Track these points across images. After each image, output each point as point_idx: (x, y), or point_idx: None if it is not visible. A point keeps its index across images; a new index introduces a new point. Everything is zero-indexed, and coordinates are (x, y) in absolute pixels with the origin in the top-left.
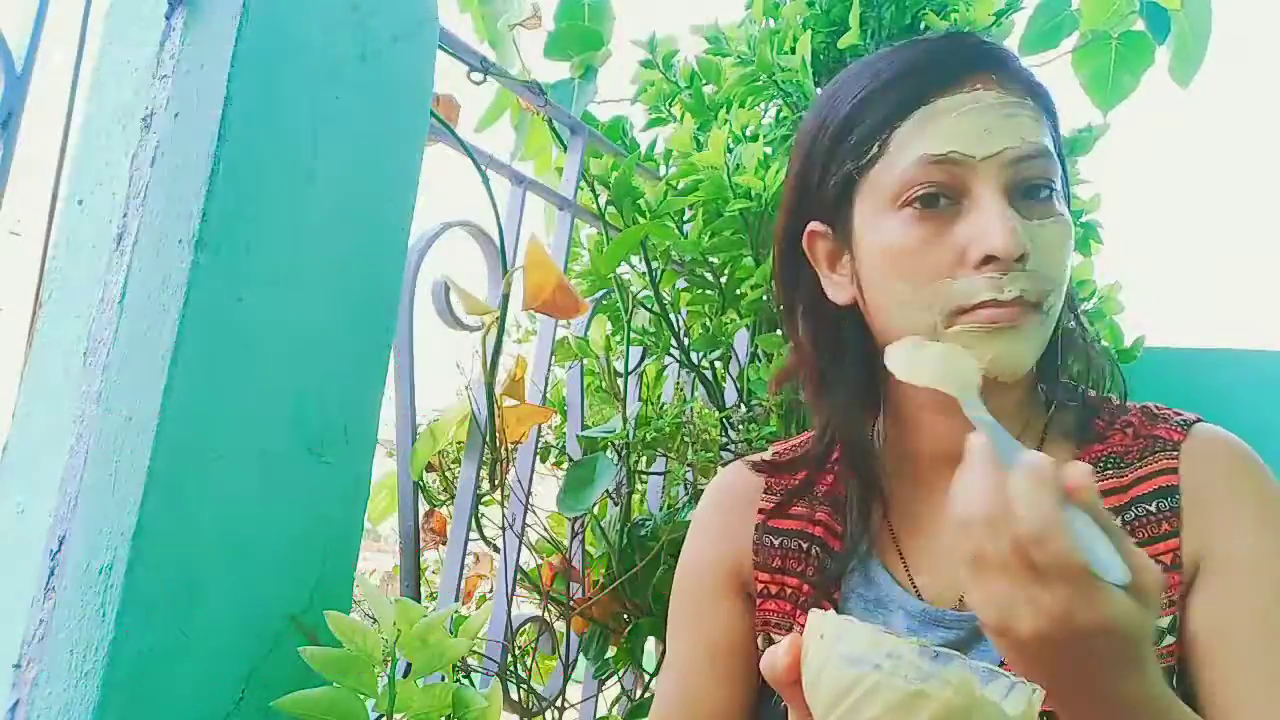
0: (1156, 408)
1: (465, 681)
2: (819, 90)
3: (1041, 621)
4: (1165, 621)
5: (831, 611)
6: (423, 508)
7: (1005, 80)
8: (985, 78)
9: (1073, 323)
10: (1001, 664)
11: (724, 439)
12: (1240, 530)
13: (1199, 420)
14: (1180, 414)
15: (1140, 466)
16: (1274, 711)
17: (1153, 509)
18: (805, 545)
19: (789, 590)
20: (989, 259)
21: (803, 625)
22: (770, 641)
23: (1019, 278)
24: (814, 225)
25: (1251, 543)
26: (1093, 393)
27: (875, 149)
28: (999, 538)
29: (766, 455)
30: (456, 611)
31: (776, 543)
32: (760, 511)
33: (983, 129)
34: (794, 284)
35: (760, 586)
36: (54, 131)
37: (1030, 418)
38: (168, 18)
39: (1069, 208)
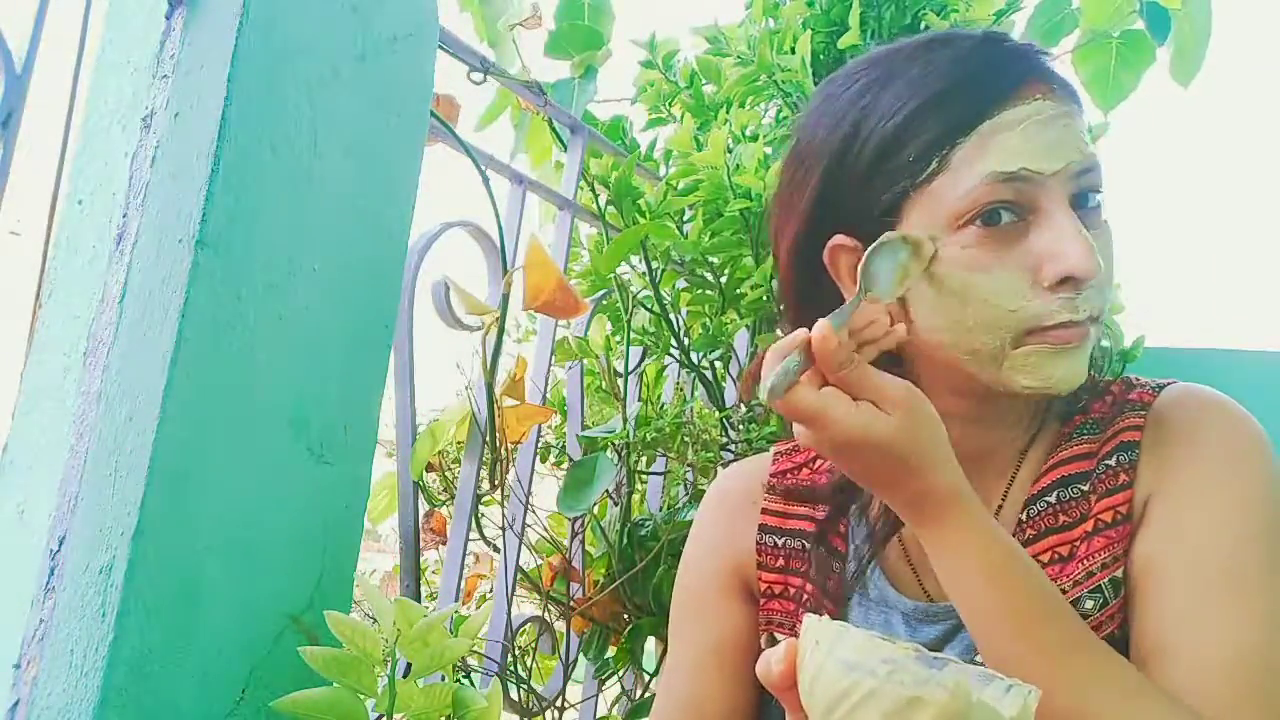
0: (1135, 378)
1: (465, 681)
2: (818, 91)
3: (821, 447)
4: (1115, 575)
5: (826, 618)
6: (423, 508)
7: (1056, 87)
8: (1042, 87)
9: None
10: None
11: (724, 439)
12: (1187, 468)
13: (1174, 383)
14: (1158, 380)
15: (1113, 430)
16: (1199, 643)
17: (1113, 463)
18: (807, 544)
19: (793, 590)
20: (1067, 279)
21: None
22: (774, 641)
23: (1090, 295)
24: (841, 239)
25: (1194, 476)
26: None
27: (935, 165)
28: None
29: (767, 461)
30: (456, 611)
31: (780, 542)
32: (763, 512)
33: (1049, 143)
34: (812, 298)
35: (764, 586)
36: (54, 131)
37: (1031, 415)
38: (168, 18)
39: None
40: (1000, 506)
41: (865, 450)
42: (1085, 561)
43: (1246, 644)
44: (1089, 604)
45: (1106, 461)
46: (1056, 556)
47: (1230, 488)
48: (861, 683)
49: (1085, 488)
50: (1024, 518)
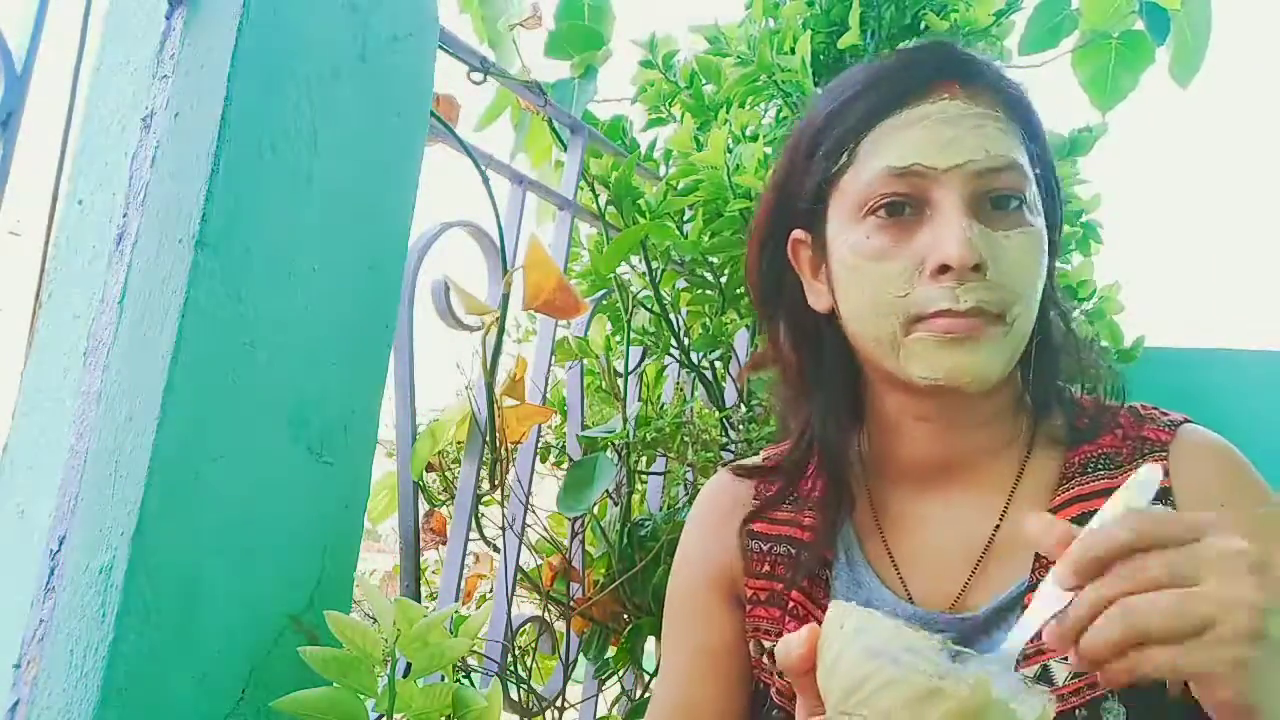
0: (1143, 408)
1: (465, 681)
2: (818, 91)
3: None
4: None
5: (854, 602)
6: (423, 508)
7: (974, 90)
8: (951, 87)
9: (1061, 325)
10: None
11: (724, 439)
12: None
13: (1186, 421)
14: (1166, 414)
15: (1132, 468)
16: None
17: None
18: (793, 550)
19: (779, 597)
20: (944, 268)
21: (791, 630)
22: (761, 648)
23: (976, 288)
24: (797, 233)
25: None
26: (1081, 394)
27: (844, 159)
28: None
29: (755, 460)
30: (456, 611)
31: (765, 548)
32: (751, 518)
33: (946, 140)
34: (776, 291)
35: (750, 593)
36: (54, 131)
37: (1016, 425)
38: (168, 18)
39: (1058, 211)
40: (998, 526)
41: None
42: None
43: None
44: None
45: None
46: None
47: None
48: (883, 669)
49: None
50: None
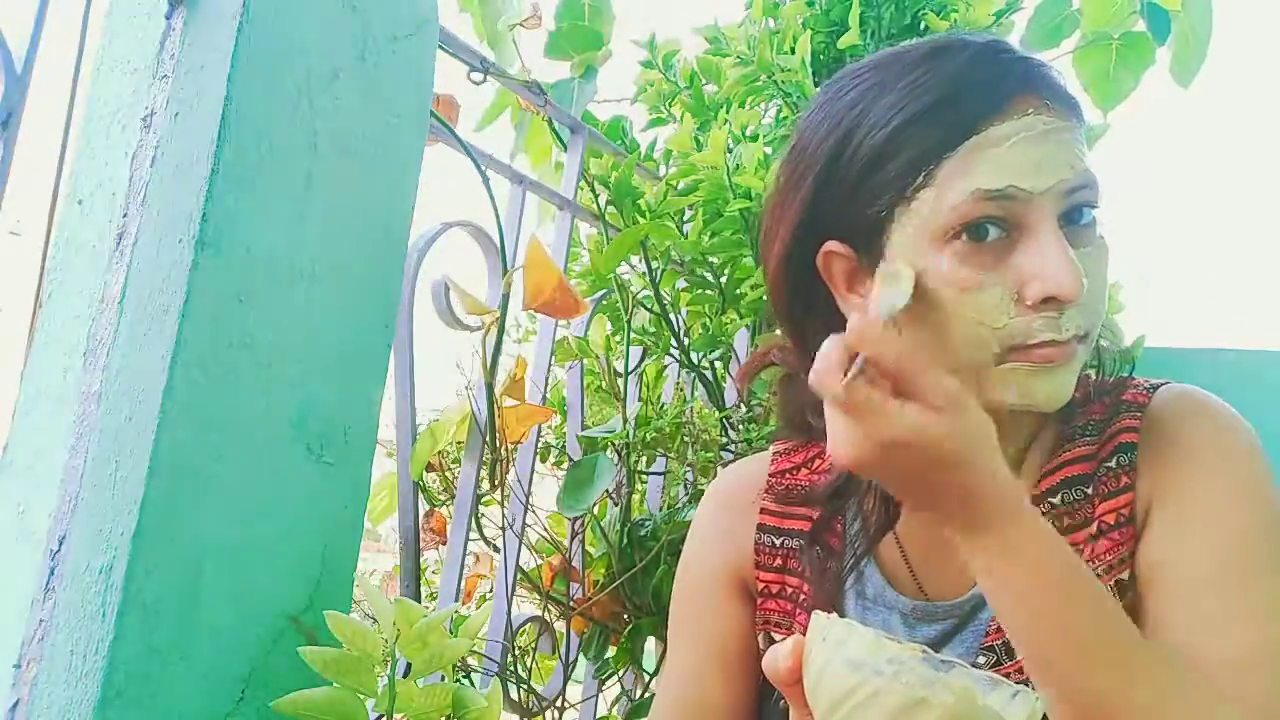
0: (1131, 378)
1: (465, 681)
2: (821, 91)
3: (864, 446)
4: (1120, 578)
5: (834, 615)
6: (423, 508)
7: (1053, 101)
8: (1036, 101)
9: None
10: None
11: (724, 439)
12: (1185, 472)
13: (1168, 384)
14: (1150, 380)
15: (1111, 430)
16: (1221, 645)
17: (1113, 465)
18: (805, 544)
19: (790, 590)
20: (1050, 299)
21: (803, 625)
22: (771, 641)
23: (1075, 315)
24: (833, 246)
25: (1193, 480)
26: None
27: (920, 179)
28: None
29: (766, 460)
30: (456, 611)
31: (778, 542)
32: (761, 511)
33: (1038, 160)
34: (805, 303)
35: (762, 586)
36: (54, 131)
37: (1030, 415)
38: (168, 17)
39: None
40: None
41: (914, 451)
42: (1091, 564)
43: (1272, 641)
44: None
45: (1107, 463)
46: None
47: (1230, 489)
48: (867, 682)
49: (1088, 490)
50: None
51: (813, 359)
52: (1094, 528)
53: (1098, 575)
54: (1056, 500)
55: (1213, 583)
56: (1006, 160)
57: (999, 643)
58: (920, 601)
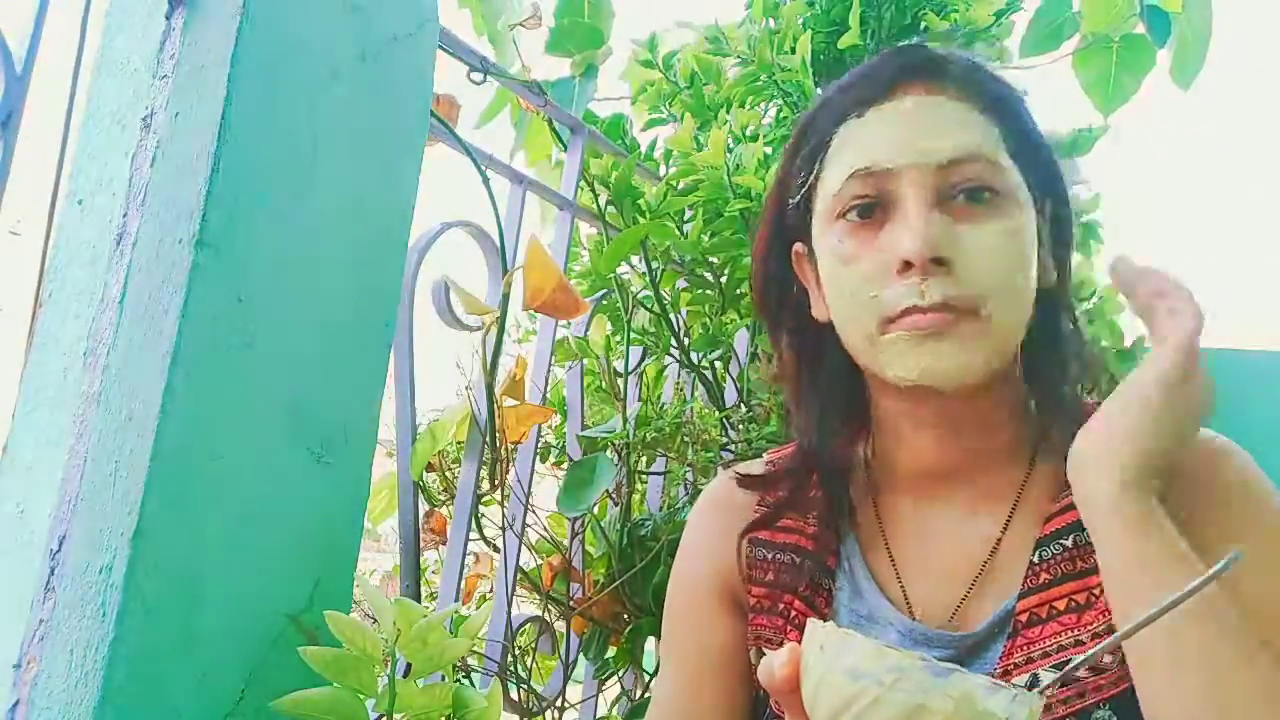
0: None
1: (465, 681)
2: (819, 91)
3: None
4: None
5: (831, 624)
6: (423, 508)
7: (940, 87)
8: (914, 87)
9: (1070, 327)
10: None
11: (724, 439)
12: (1211, 511)
13: None
14: None
15: None
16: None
17: None
18: (798, 559)
19: (781, 605)
20: (907, 264)
21: (794, 640)
22: (762, 655)
23: (943, 283)
24: (798, 247)
25: (1220, 518)
26: (1087, 398)
27: (817, 165)
28: None
29: (756, 467)
30: (456, 611)
31: (769, 556)
32: (754, 525)
33: (905, 136)
34: (780, 302)
35: (753, 601)
36: (54, 131)
37: (1021, 432)
38: (168, 18)
39: (1064, 207)
40: (1000, 537)
41: (1197, 386)
42: (1106, 613)
43: None
44: (1108, 657)
45: None
46: (1074, 604)
47: (1254, 525)
48: (867, 690)
49: None
50: (1036, 559)
51: (783, 360)
52: None
53: (1112, 626)
54: (1068, 543)
55: (1257, 621)
56: (874, 137)
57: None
58: (917, 624)
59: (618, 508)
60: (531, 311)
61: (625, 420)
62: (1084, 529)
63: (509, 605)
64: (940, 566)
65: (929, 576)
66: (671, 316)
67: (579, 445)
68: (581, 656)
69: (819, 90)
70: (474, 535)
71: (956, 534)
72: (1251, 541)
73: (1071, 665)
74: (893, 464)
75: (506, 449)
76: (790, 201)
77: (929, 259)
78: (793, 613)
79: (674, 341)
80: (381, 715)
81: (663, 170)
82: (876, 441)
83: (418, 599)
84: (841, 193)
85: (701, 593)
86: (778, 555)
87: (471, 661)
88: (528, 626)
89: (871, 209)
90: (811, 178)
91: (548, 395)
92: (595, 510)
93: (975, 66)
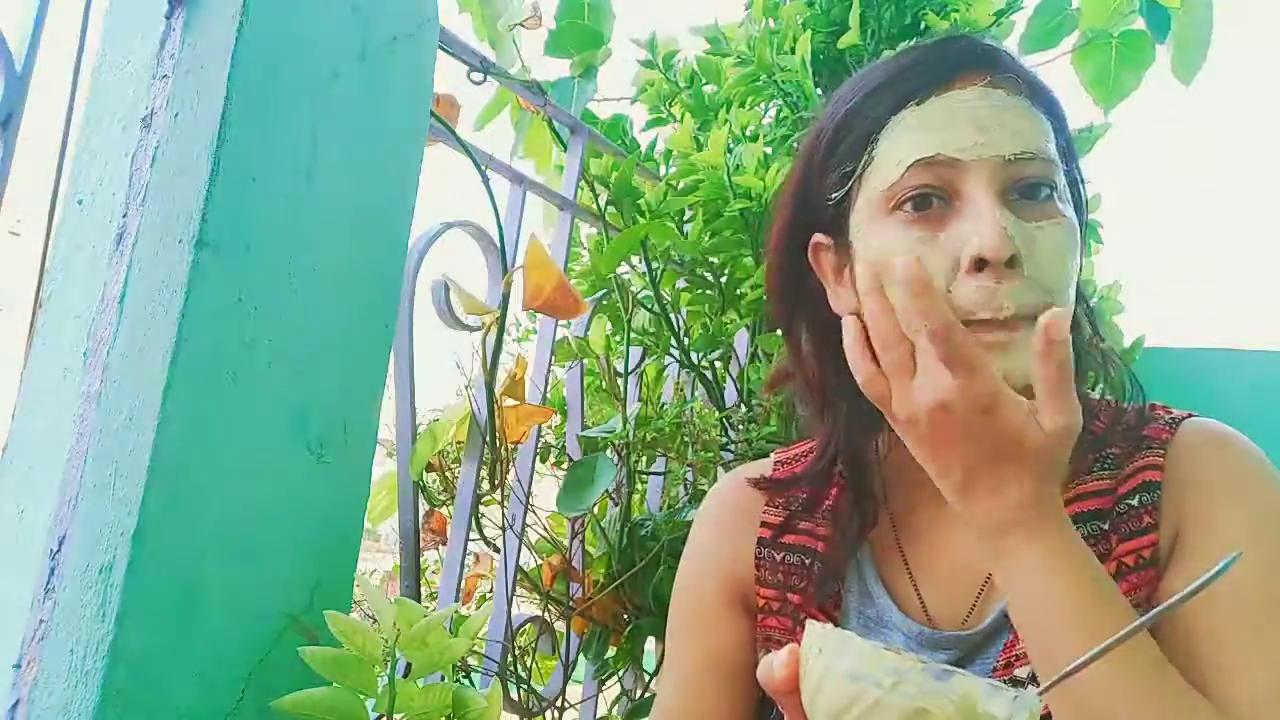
0: (1151, 408)
1: (465, 681)
2: (820, 91)
3: (962, 397)
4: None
5: (830, 625)
6: (423, 508)
7: (999, 79)
8: (977, 76)
9: (1087, 326)
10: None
11: (724, 439)
12: (1216, 509)
13: (1190, 416)
14: (1172, 412)
15: (1129, 465)
16: (1250, 679)
17: (1135, 503)
18: (808, 561)
19: (791, 607)
20: (981, 262)
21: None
22: None
23: (1015, 289)
24: (818, 237)
25: (1227, 519)
26: (1096, 396)
27: (868, 154)
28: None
29: (767, 467)
30: (456, 611)
31: (779, 558)
32: (763, 526)
33: (973, 129)
34: (796, 298)
35: (763, 602)
36: (54, 131)
37: None
38: (168, 18)
39: (1081, 210)
40: None
41: (1003, 425)
42: None
43: None
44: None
45: (1128, 500)
46: None
47: (1258, 523)
48: (866, 693)
49: (1105, 526)
50: None
51: (802, 358)
52: (1113, 566)
53: None
54: None
55: (1237, 621)
56: (940, 128)
57: (1006, 679)
58: (926, 627)
59: (618, 508)
60: (531, 311)
61: (625, 420)
62: (1087, 520)
63: (509, 605)
64: (951, 568)
65: (943, 579)
66: (671, 316)
67: (579, 445)
68: (581, 656)
69: (819, 90)
70: (474, 535)
71: (967, 536)
72: (1234, 533)
73: (1072, 665)
74: (908, 466)
75: (506, 449)
76: (820, 191)
77: (1004, 259)
78: (802, 615)
79: (674, 341)
80: (381, 715)
81: (663, 170)
82: (892, 442)
83: (418, 599)
84: (901, 182)
85: (709, 594)
86: (787, 556)
87: (471, 661)
88: (528, 626)
89: (929, 200)
90: (858, 166)
91: (548, 395)
92: (595, 510)
93: (1019, 61)
